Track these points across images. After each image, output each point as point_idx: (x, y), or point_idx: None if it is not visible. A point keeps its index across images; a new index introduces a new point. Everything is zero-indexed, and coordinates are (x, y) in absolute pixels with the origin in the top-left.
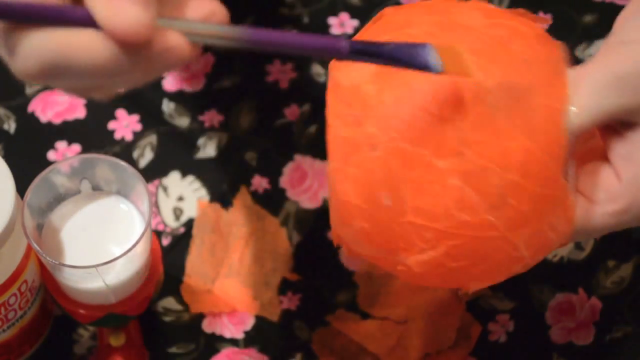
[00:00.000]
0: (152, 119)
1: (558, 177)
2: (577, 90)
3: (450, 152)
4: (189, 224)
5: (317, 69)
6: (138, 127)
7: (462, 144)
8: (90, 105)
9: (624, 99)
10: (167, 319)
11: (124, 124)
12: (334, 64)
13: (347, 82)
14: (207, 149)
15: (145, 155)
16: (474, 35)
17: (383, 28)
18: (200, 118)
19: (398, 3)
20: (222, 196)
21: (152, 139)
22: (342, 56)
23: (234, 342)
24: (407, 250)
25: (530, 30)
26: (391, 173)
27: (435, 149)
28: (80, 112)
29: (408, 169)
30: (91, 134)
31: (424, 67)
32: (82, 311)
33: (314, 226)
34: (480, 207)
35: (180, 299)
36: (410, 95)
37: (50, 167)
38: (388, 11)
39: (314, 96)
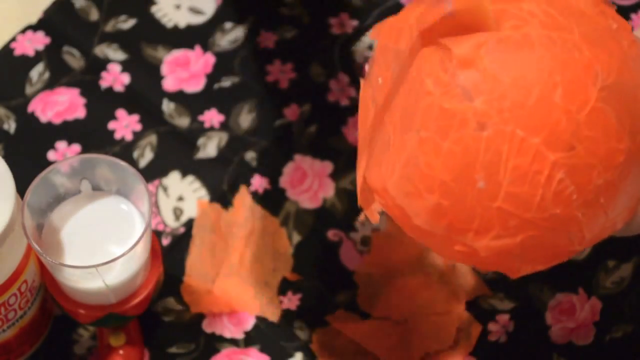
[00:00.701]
0: (152, 119)
1: None
2: None
3: (563, 144)
4: (189, 224)
5: (317, 69)
6: (138, 127)
7: (575, 138)
8: (90, 106)
9: None
10: (167, 319)
11: (124, 124)
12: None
13: (459, 51)
14: (207, 149)
15: (145, 155)
16: (588, 23)
17: None
18: (200, 118)
19: (398, 2)
20: (222, 196)
21: (152, 139)
22: None
23: (234, 342)
24: (480, 234)
25: (629, 27)
26: (496, 156)
27: (548, 138)
28: (80, 112)
29: (516, 155)
30: (91, 134)
31: None
32: (82, 311)
33: (314, 226)
34: (574, 203)
35: (180, 299)
36: (533, 81)
37: (50, 167)
38: None
39: (314, 96)
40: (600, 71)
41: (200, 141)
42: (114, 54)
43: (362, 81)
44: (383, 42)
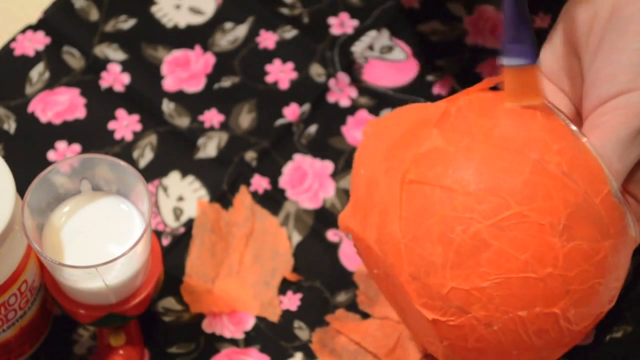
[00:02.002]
0: (152, 119)
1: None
2: (606, 163)
3: (558, 294)
4: (189, 224)
5: (317, 69)
6: (138, 127)
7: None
8: (90, 106)
9: None
10: (167, 319)
11: (124, 124)
12: None
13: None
14: (207, 149)
15: (145, 155)
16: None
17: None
18: (200, 118)
19: (398, 2)
20: (222, 196)
21: (152, 139)
22: None
23: (234, 342)
24: None
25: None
26: (514, 336)
27: (543, 299)
28: (80, 112)
29: (532, 322)
30: (91, 134)
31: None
32: (82, 311)
33: (314, 226)
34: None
35: (180, 299)
36: (512, 271)
37: (50, 167)
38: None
39: (314, 96)
40: (552, 223)
41: (200, 141)
42: (114, 54)
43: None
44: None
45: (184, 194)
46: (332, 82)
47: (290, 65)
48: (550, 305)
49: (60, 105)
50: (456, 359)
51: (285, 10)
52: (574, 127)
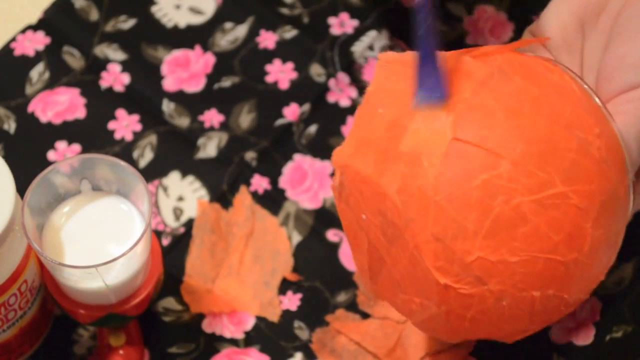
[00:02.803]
0: (152, 119)
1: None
2: (627, 151)
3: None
4: (189, 224)
5: (317, 69)
6: (138, 127)
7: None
8: (90, 105)
9: None
10: (167, 319)
11: (124, 124)
12: None
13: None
14: (207, 149)
15: (145, 155)
16: (562, 157)
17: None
18: (200, 118)
19: (398, 2)
20: (222, 196)
21: (152, 139)
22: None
23: (234, 342)
24: None
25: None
26: (519, 312)
27: (560, 286)
28: (80, 112)
29: (540, 312)
30: (91, 134)
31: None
32: (82, 311)
33: (314, 226)
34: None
35: (180, 299)
36: (535, 250)
37: (50, 167)
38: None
39: (314, 96)
40: (588, 208)
41: (200, 141)
42: (114, 54)
43: (335, 195)
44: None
45: (184, 194)
46: (332, 82)
47: (290, 65)
48: (563, 289)
49: (60, 105)
50: (446, 325)
51: (285, 10)
52: (606, 111)
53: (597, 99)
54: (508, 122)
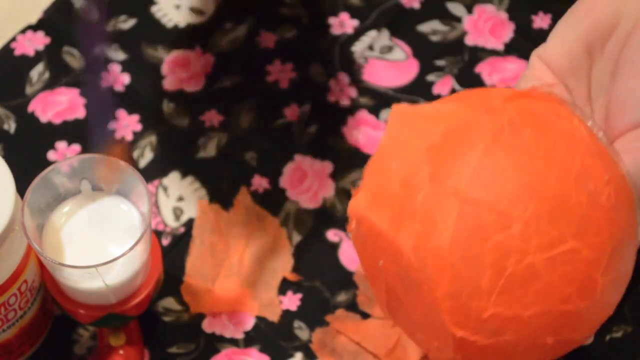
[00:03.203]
0: (152, 119)
1: None
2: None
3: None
4: (189, 224)
5: (317, 69)
6: (138, 127)
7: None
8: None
9: None
10: (167, 319)
11: (124, 124)
12: None
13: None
14: (207, 149)
15: (145, 155)
16: (573, 212)
17: None
18: (200, 118)
19: (398, 2)
20: (222, 196)
21: (152, 139)
22: None
23: (234, 342)
24: None
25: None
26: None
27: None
28: (80, 112)
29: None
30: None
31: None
32: (82, 311)
33: (314, 226)
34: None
35: (180, 299)
36: (544, 300)
37: (50, 167)
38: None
39: (314, 96)
40: (598, 258)
41: (200, 141)
42: (114, 54)
43: (352, 237)
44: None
45: (184, 194)
46: (332, 82)
47: (290, 65)
48: (575, 332)
49: (60, 105)
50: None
51: (285, 10)
52: (613, 151)
53: (604, 140)
54: (519, 180)
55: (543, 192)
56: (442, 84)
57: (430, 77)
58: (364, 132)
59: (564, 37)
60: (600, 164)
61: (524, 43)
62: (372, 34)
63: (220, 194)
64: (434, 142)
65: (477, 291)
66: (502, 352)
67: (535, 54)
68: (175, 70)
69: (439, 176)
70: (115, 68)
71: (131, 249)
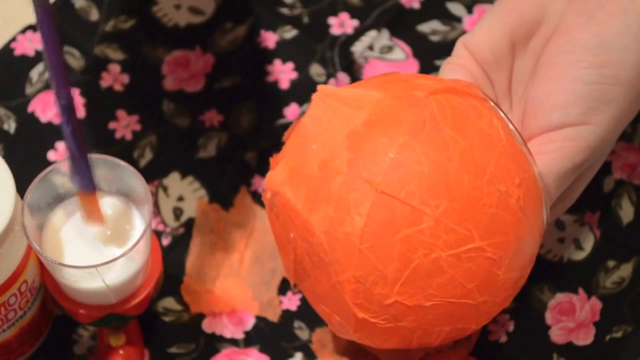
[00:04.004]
0: (152, 119)
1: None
2: (545, 191)
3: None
4: (189, 224)
5: (317, 69)
6: (138, 127)
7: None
8: (90, 105)
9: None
10: (167, 319)
11: (124, 124)
12: None
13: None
14: (207, 149)
15: (145, 155)
16: (481, 210)
17: None
18: (200, 118)
19: (398, 2)
20: (222, 196)
21: (152, 139)
22: None
23: (234, 342)
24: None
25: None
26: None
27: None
28: (80, 112)
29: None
30: (91, 134)
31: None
32: (82, 311)
33: None
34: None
35: (180, 299)
36: (448, 296)
37: (50, 167)
38: None
39: None
40: (501, 257)
41: (200, 141)
42: (114, 54)
43: (266, 205)
44: (292, 161)
45: (184, 194)
46: (332, 82)
47: (290, 65)
48: (471, 322)
49: None
50: (359, 341)
51: (285, 10)
52: (528, 152)
53: (520, 140)
54: (434, 177)
55: (456, 192)
56: None
57: None
58: None
59: (491, 29)
60: (513, 166)
61: None
62: (372, 34)
63: (220, 194)
64: (355, 128)
65: (382, 279)
66: (400, 334)
67: (461, 41)
68: (175, 70)
69: (357, 164)
70: (115, 68)
71: (131, 249)
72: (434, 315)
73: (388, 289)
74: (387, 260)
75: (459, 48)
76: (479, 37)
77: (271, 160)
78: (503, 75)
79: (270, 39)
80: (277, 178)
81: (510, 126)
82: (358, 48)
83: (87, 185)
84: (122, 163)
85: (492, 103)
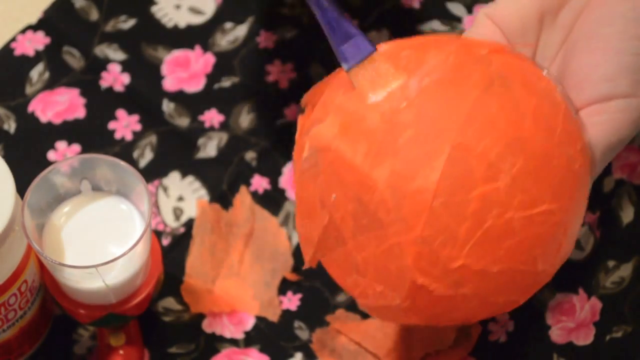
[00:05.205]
0: (152, 119)
1: None
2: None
3: None
4: (189, 224)
5: (317, 69)
6: (138, 127)
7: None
8: (90, 105)
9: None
10: (167, 319)
11: (124, 124)
12: None
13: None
14: (207, 149)
15: (145, 155)
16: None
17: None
18: (200, 118)
19: (398, 3)
20: (222, 196)
21: (152, 139)
22: None
23: (234, 342)
24: None
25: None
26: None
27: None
28: (80, 112)
29: None
30: (91, 134)
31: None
32: (82, 311)
33: None
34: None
35: (180, 299)
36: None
37: (50, 167)
38: None
39: None
40: (566, 224)
41: (200, 141)
42: (114, 54)
43: (297, 166)
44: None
45: (184, 194)
46: None
47: (290, 65)
48: (523, 297)
49: (60, 105)
50: (399, 314)
51: (285, 10)
52: (579, 119)
53: (572, 107)
54: (510, 134)
55: (530, 150)
56: None
57: None
58: None
59: (518, 0)
60: (575, 131)
61: None
62: (372, 34)
63: (220, 194)
64: (423, 83)
65: (452, 239)
66: (452, 305)
67: (484, 12)
68: (175, 70)
69: (429, 118)
70: (115, 68)
71: (131, 249)
72: (495, 282)
73: (457, 251)
74: (460, 219)
75: (481, 19)
76: (506, 7)
77: (300, 118)
78: (527, 48)
79: (270, 39)
80: (326, 132)
81: (563, 91)
82: None
83: (366, 45)
84: (122, 163)
85: (543, 70)
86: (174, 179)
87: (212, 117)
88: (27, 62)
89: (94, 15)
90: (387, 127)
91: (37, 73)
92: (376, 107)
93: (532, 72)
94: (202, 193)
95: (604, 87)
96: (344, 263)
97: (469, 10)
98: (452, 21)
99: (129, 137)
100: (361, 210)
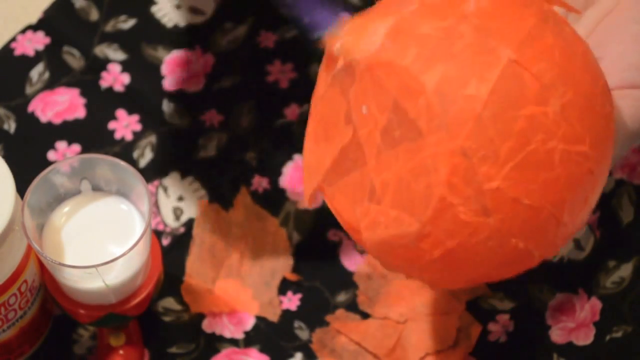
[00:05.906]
0: (152, 119)
1: None
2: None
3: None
4: (189, 224)
5: (317, 68)
6: (138, 127)
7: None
8: (90, 105)
9: None
10: (167, 319)
11: (124, 124)
12: None
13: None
14: (207, 149)
15: (145, 155)
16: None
17: None
18: (200, 118)
19: None
20: (222, 196)
21: (152, 139)
22: None
23: (234, 342)
24: None
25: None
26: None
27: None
28: (80, 112)
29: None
30: (91, 134)
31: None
32: (82, 311)
33: (314, 226)
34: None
35: (180, 299)
36: (542, 200)
37: (50, 167)
38: None
39: None
40: (598, 176)
41: (200, 141)
42: (114, 54)
43: (324, 78)
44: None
45: (184, 194)
46: None
47: (290, 65)
48: (539, 246)
49: (60, 105)
50: (411, 248)
51: (285, 10)
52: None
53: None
54: (564, 65)
55: (580, 87)
56: None
57: None
58: None
59: None
60: (609, 92)
61: None
62: None
63: (220, 194)
64: (481, 3)
65: (493, 156)
66: (472, 240)
67: None
68: (175, 70)
69: (486, 31)
70: (115, 68)
71: (131, 249)
72: (522, 219)
73: (496, 170)
74: (505, 135)
75: None
76: None
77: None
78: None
79: (270, 39)
80: (371, 36)
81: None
82: None
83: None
84: (122, 163)
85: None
86: (174, 179)
87: (212, 117)
88: (27, 62)
89: (94, 15)
90: (441, 34)
91: (37, 73)
92: (430, 14)
93: (572, 29)
94: (202, 193)
95: (631, 74)
96: (356, 189)
97: None
98: None
99: (129, 137)
100: (397, 120)
